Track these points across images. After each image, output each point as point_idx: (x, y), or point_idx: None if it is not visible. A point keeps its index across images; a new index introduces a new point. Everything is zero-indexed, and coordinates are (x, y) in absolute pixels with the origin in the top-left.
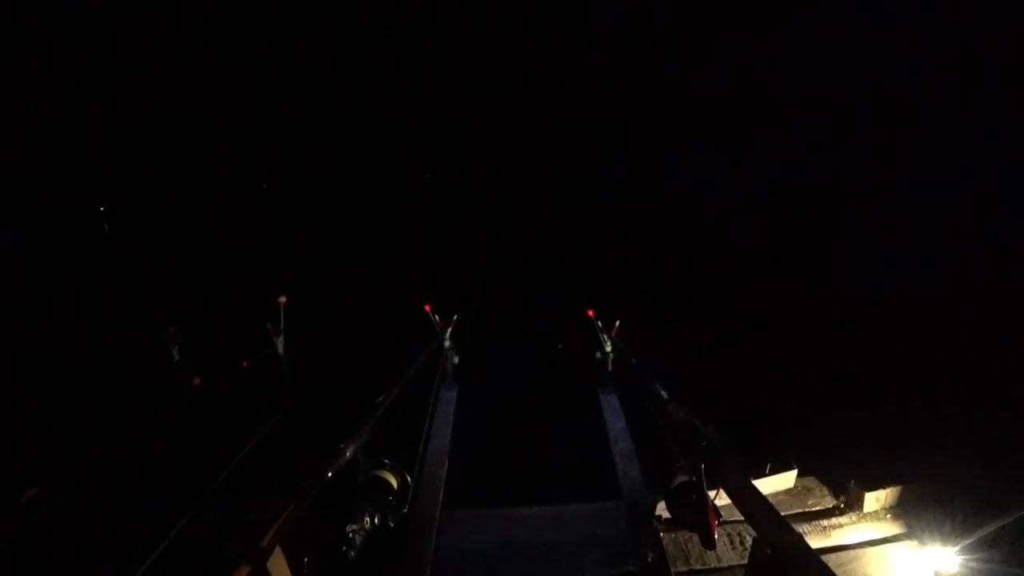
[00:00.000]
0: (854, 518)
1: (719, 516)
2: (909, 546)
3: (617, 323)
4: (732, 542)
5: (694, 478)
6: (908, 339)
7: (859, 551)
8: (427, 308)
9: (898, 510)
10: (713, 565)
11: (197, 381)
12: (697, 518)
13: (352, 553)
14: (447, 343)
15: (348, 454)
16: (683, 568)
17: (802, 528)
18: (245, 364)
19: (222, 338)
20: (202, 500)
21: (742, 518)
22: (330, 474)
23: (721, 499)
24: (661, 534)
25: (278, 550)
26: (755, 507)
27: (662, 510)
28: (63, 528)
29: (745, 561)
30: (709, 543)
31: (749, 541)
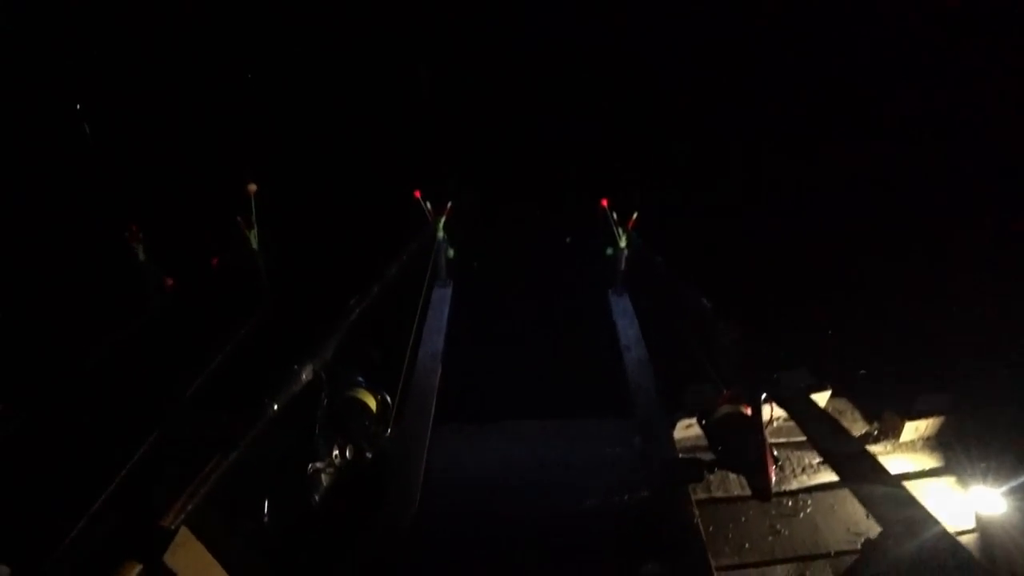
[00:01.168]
0: (889, 447)
1: (777, 461)
2: (947, 482)
3: (635, 214)
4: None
5: (746, 411)
6: (962, 267)
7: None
8: (417, 194)
9: (936, 443)
10: (737, 493)
11: (169, 283)
12: (751, 464)
13: (317, 498)
14: (440, 234)
15: (305, 376)
16: (703, 495)
17: None
18: (215, 261)
19: (188, 234)
20: (173, 415)
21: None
22: (276, 407)
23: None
24: (679, 455)
25: (184, 532)
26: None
27: (682, 430)
28: (25, 447)
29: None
30: (765, 494)
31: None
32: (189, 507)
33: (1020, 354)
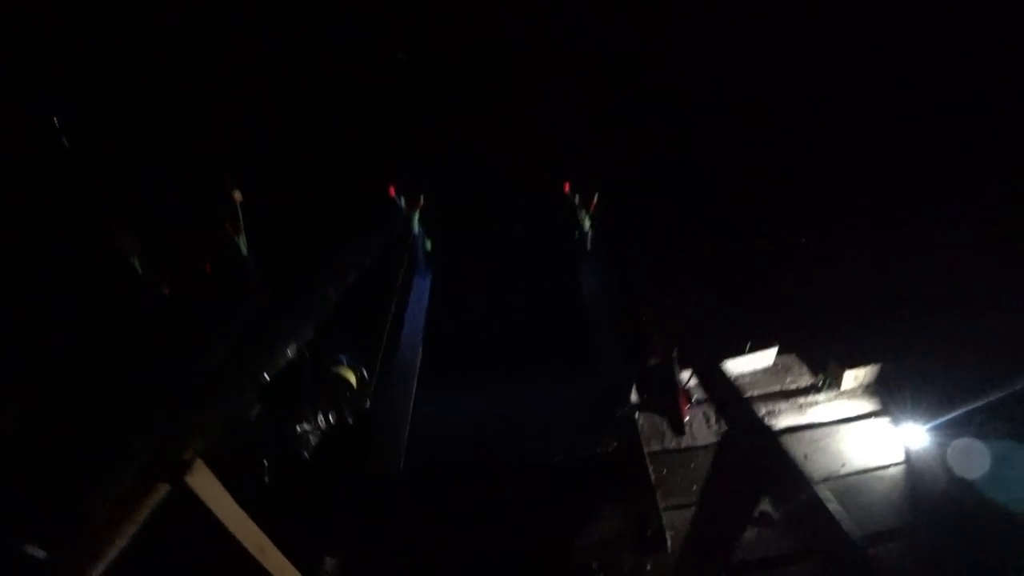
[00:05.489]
0: (831, 396)
1: (691, 401)
2: (882, 423)
3: (596, 196)
4: (708, 421)
5: (666, 360)
6: (894, 219)
7: (833, 428)
8: (391, 190)
9: (874, 388)
10: (686, 444)
11: (166, 291)
12: (667, 403)
13: (306, 453)
14: (416, 228)
15: (290, 352)
16: (657, 448)
17: (778, 406)
18: (208, 268)
19: (177, 243)
20: (172, 411)
21: None
22: (267, 376)
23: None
24: (637, 414)
25: (199, 464)
26: (722, 390)
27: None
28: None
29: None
30: (679, 428)
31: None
32: (201, 445)
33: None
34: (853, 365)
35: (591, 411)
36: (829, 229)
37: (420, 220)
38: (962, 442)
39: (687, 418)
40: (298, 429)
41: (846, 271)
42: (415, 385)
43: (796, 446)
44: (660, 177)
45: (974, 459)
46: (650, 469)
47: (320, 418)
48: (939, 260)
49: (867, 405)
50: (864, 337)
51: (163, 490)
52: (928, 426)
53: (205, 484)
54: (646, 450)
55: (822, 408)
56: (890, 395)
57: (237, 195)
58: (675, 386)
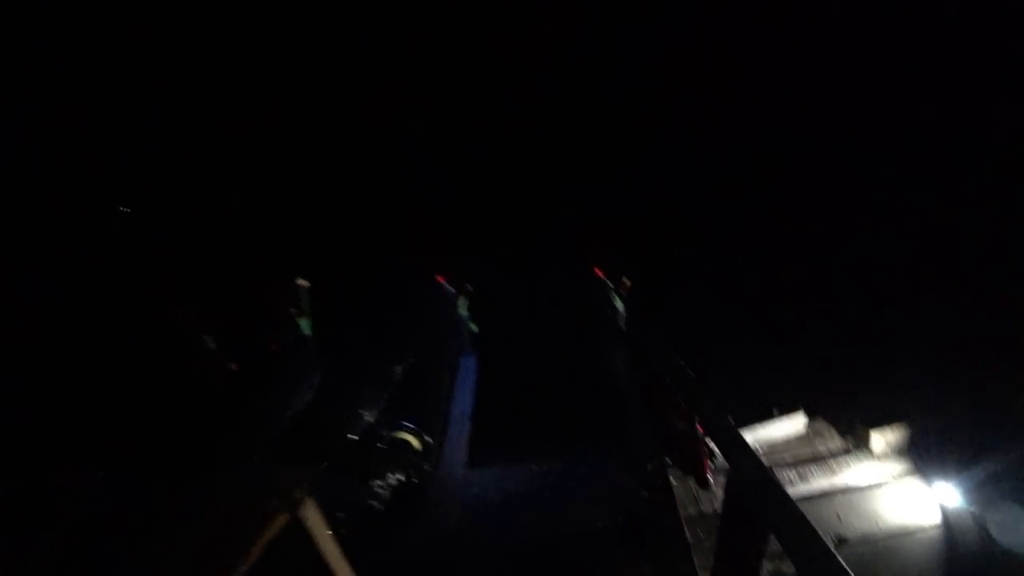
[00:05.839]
0: (862, 458)
1: (713, 458)
2: (915, 483)
3: (627, 280)
4: None
5: (690, 421)
6: (911, 280)
7: (867, 490)
8: (440, 279)
9: (905, 448)
10: (718, 508)
11: (234, 367)
12: (691, 460)
13: (379, 505)
14: (464, 312)
15: (368, 418)
16: (692, 511)
17: (810, 470)
18: (274, 347)
19: (249, 325)
20: (243, 467)
21: None
22: (353, 437)
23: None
24: (672, 481)
25: (310, 501)
26: (729, 441)
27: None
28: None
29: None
30: (703, 482)
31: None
32: (307, 489)
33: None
34: (880, 426)
35: (625, 477)
36: (850, 293)
37: (467, 305)
38: (995, 500)
39: (711, 472)
40: (372, 484)
41: (868, 334)
42: (465, 454)
43: (829, 508)
44: (686, 256)
45: (1008, 517)
46: (686, 532)
47: (389, 476)
48: (960, 320)
49: (898, 466)
50: (890, 398)
51: (281, 522)
52: (961, 484)
53: (313, 518)
54: (682, 514)
55: (854, 471)
56: (920, 455)
57: (303, 282)
58: (696, 444)
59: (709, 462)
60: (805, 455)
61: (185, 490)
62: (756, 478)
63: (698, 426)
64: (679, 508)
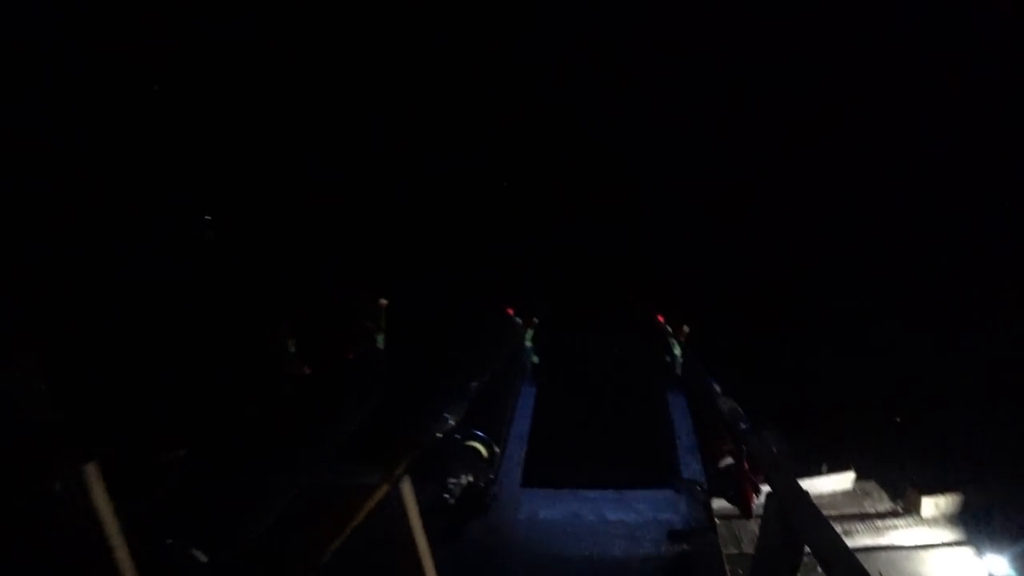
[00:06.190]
0: (911, 522)
1: (757, 490)
2: (964, 552)
3: (686, 328)
4: None
5: (736, 459)
6: (971, 349)
7: (912, 552)
8: (510, 311)
9: (956, 516)
10: None
11: (307, 370)
12: (736, 489)
13: (451, 500)
14: (528, 344)
15: (452, 421)
16: (734, 551)
17: (855, 526)
18: (350, 355)
19: (332, 335)
20: (314, 467)
21: None
22: (439, 435)
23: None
24: (716, 520)
25: (407, 478)
26: (790, 492)
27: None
28: (200, 483)
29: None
30: (747, 511)
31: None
32: (405, 468)
33: None
34: (933, 493)
35: (671, 508)
36: (911, 364)
37: (532, 337)
38: None
39: (756, 503)
40: (447, 480)
41: (923, 400)
42: (521, 473)
43: (872, 565)
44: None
45: None
46: (727, 569)
47: (461, 476)
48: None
49: (948, 533)
50: (944, 465)
51: (384, 491)
52: (1014, 556)
53: (408, 492)
54: (724, 551)
55: (901, 532)
56: (972, 523)
57: (383, 302)
58: (742, 474)
59: (754, 495)
60: (851, 512)
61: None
62: (794, 494)
63: (745, 463)
64: (721, 545)
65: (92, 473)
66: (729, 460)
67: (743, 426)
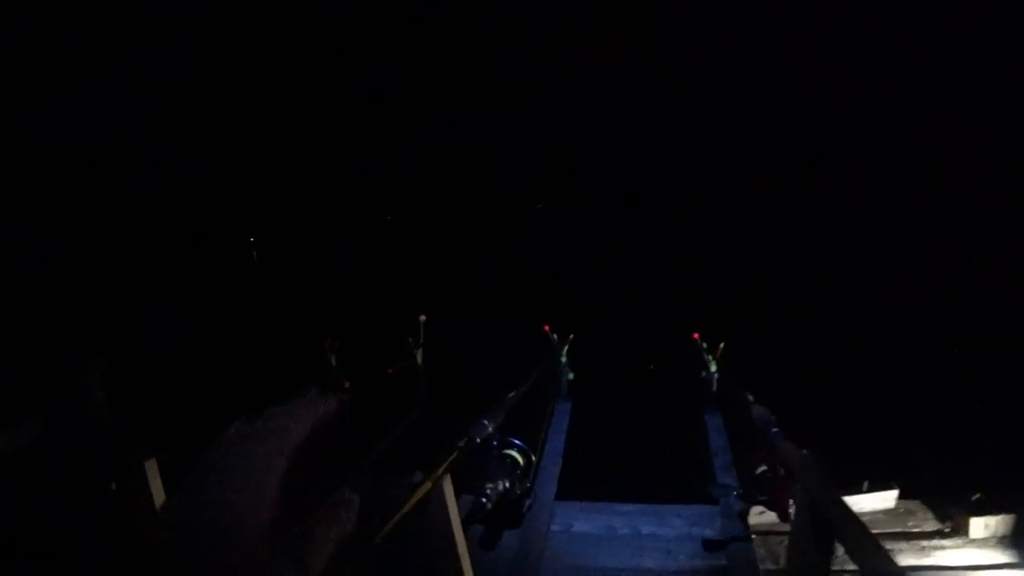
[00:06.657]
0: (959, 543)
1: (792, 494)
2: (1019, 575)
3: (721, 345)
4: None
5: (777, 471)
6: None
7: (962, 573)
8: (546, 328)
9: (1008, 538)
10: None
11: (346, 384)
12: (772, 495)
13: (489, 505)
14: (563, 359)
15: (491, 428)
16: (771, 567)
17: (898, 546)
18: (390, 371)
19: (373, 350)
20: (354, 477)
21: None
22: (478, 440)
23: None
24: (753, 536)
25: (448, 477)
26: (818, 488)
27: (755, 516)
28: None
29: (834, 567)
30: (784, 516)
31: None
32: (447, 468)
33: None
34: (981, 514)
35: (709, 533)
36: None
37: (566, 354)
38: None
39: (792, 507)
40: (485, 485)
41: (974, 420)
42: (555, 491)
43: None
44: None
45: None
46: None
47: (499, 482)
48: None
49: (999, 556)
50: (995, 486)
51: (426, 488)
52: None
53: (448, 490)
54: (761, 567)
55: (948, 553)
56: None
57: (423, 318)
58: (776, 478)
59: (790, 499)
60: (893, 531)
61: None
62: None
63: (779, 468)
64: (758, 562)
65: (151, 470)
66: (763, 467)
67: (774, 430)
